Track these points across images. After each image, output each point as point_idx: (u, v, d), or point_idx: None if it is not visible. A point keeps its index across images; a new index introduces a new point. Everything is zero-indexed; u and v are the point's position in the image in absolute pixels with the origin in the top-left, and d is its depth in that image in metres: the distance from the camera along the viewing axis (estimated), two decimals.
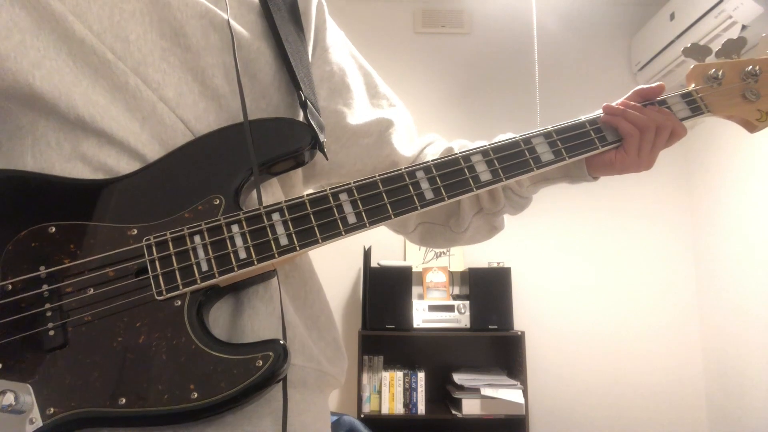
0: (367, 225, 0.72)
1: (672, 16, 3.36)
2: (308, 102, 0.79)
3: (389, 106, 0.99)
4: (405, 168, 0.76)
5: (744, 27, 2.90)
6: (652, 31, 3.62)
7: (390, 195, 0.74)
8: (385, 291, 3.26)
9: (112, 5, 0.72)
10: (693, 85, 0.93)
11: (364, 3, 3.92)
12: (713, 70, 0.92)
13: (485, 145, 0.82)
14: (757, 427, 3.06)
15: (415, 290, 3.46)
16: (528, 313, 3.57)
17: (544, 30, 3.72)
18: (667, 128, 0.85)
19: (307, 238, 0.69)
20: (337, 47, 0.95)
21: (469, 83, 3.90)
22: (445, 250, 3.54)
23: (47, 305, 0.63)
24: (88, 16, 0.70)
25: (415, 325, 3.24)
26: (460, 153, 0.79)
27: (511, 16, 3.90)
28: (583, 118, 0.88)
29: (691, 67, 0.94)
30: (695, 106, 0.90)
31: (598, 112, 0.88)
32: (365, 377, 3.21)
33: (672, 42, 3.37)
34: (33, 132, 0.69)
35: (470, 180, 0.78)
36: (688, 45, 0.95)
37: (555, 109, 3.68)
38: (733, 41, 0.94)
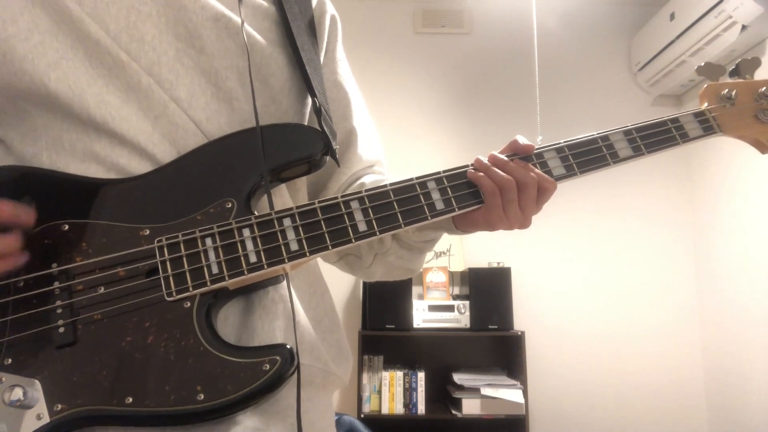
0: (378, 233, 0.72)
1: (672, 16, 3.36)
2: (322, 109, 0.79)
3: (371, 140, 0.98)
4: (416, 178, 0.77)
5: (744, 27, 2.90)
6: (652, 31, 3.62)
7: (401, 204, 0.74)
8: (385, 291, 3.25)
9: (129, 7, 0.73)
10: (706, 104, 0.92)
11: (364, 3, 3.92)
12: (726, 90, 0.91)
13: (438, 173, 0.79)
14: (757, 427, 3.06)
15: (415, 290, 3.46)
16: (528, 313, 3.57)
17: (544, 30, 3.72)
18: (531, 185, 0.77)
19: (317, 244, 0.70)
20: (345, 65, 0.97)
21: (469, 83, 3.90)
22: (444, 249, 3.55)
23: (58, 302, 0.63)
24: (104, 18, 0.72)
25: (415, 325, 3.24)
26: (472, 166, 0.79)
27: (511, 16, 3.90)
28: (470, 165, 0.80)
29: (705, 86, 0.93)
30: (708, 125, 0.89)
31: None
32: (365, 377, 3.21)
33: (672, 42, 3.37)
34: (48, 133, 0.71)
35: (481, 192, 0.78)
36: (702, 64, 0.93)
37: (555, 110, 3.69)
38: (747, 61, 0.93)
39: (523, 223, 0.79)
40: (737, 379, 3.27)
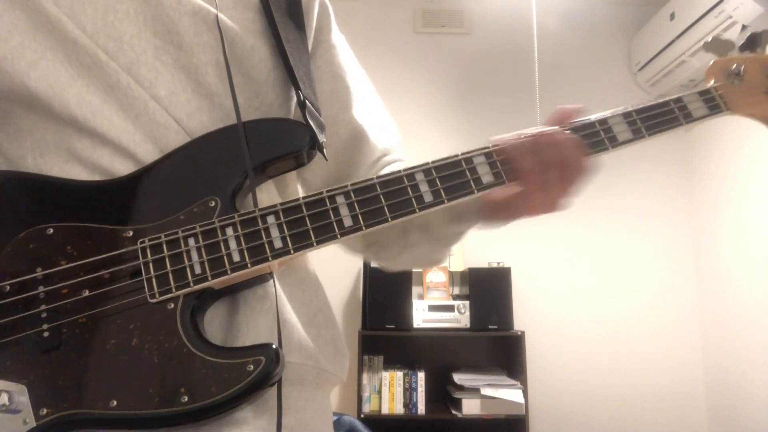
0: (364, 228, 0.70)
1: (672, 16, 3.36)
2: (307, 102, 0.78)
3: (382, 124, 0.96)
4: (404, 170, 0.74)
5: (744, 27, 2.90)
6: (652, 31, 3.62)
7: (388, 198, 0.72)
8: (385, 291, 3.26)
9: (105, 6, 0.72)
10: (712, 82, 0.86)
11: (364, 3, 3.93)
12: (735, 65, 0.85)
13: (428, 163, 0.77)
14: (757, 428, 3.06)
15: (415, 290, 3.45)
16: (528, 313, 3.57)
17: (544, 30, 3.72)
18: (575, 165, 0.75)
19: (301, 240, 0.68)
20: (343, 50, 0.94)
21: (469, 83, 3.90)
22: None
23: (42, 306, 0.63)
24: (81, 18, 0.71)
25: (415, 325, 3.24)
26: (462, 156, 0.77)
27: (511, 16, 3.90)
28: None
29: (711, 62, 0.87)
30: (714, 104, 0.83)
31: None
32: (365, 377, 3.21)
33: (672, 42, 3.37)
34: (32, 134, 0.70)
35: (471, 182, 0.75)
36: (709, 39, 0.88)
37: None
38: (756, 34, 0.87)
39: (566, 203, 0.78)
40: (737, 379, 3.26)
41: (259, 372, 0.62)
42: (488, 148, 0.78)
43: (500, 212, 0.79)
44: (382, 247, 0.92)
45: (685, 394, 3.57)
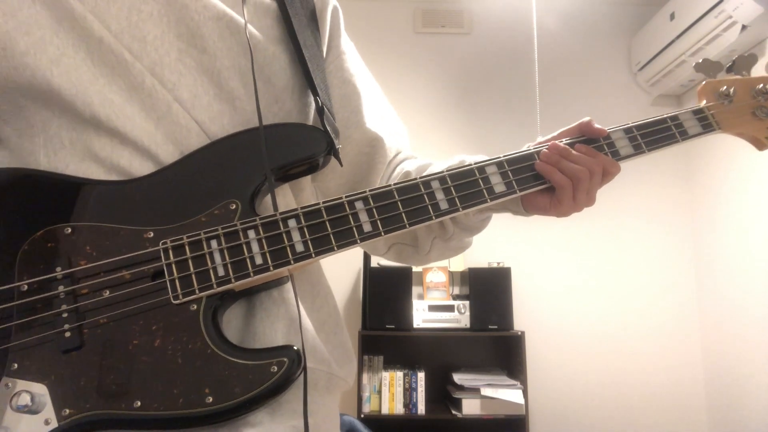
0: (383, 234, 0.72)
1: (672, 16, 3.36)
2: (325, 107, 0.79)
3: (392, 125, 0.98)
4: (420, 178, 0.76)
5: (744, 27, 2.90)
6: (652, 31, 3.62)
7: (405, 204, 0.74)
8: (385, 291, 3.25)
9: (130, 6, 0.73)
10: (704, 102, 0.92)
11: (364, 3, 3.92)
12: (725, 87, 0.92)
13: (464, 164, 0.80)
14: (757, 427, 3.07)
15: (415, 290, 3.45)
16: (528, 313, 3.57)
17: (544, 30, 3.72)
18: (599, 172, 0.81)
19: (322, 245, 0.69)
20: (352, 55, 0.96)
21: (468, 83, 3.90)
22: None
23: (63, 306, 0.63)
24: (106, 16, 0.71)
25: (415, 325, 3.24)
26: (475, 165, 0.79)
27: (511, 16, 3.90)
28: (532, 148, 0.83)
29: (703, 83, 0.93)
30: (707, 123, 0.89)
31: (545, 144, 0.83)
32: (365, 377, 3.21)
33: (672, 42, 3.37)
34: (45, 131, 0.70)
35: (485, 191, 0.78)
36: (700, 60, 0.94)
37: (555, 110, 3.69)
38: (744, 58, 0.94)
39: (589, 203, 0.82)
40: (737, 379, 3.27)
41: (282, 373, 0.63)
42: (500, 157, 0.81)
43: (535, 208, 0.85)
44: (407, 246, 0.94)
45: (685, 394, 3.58)
